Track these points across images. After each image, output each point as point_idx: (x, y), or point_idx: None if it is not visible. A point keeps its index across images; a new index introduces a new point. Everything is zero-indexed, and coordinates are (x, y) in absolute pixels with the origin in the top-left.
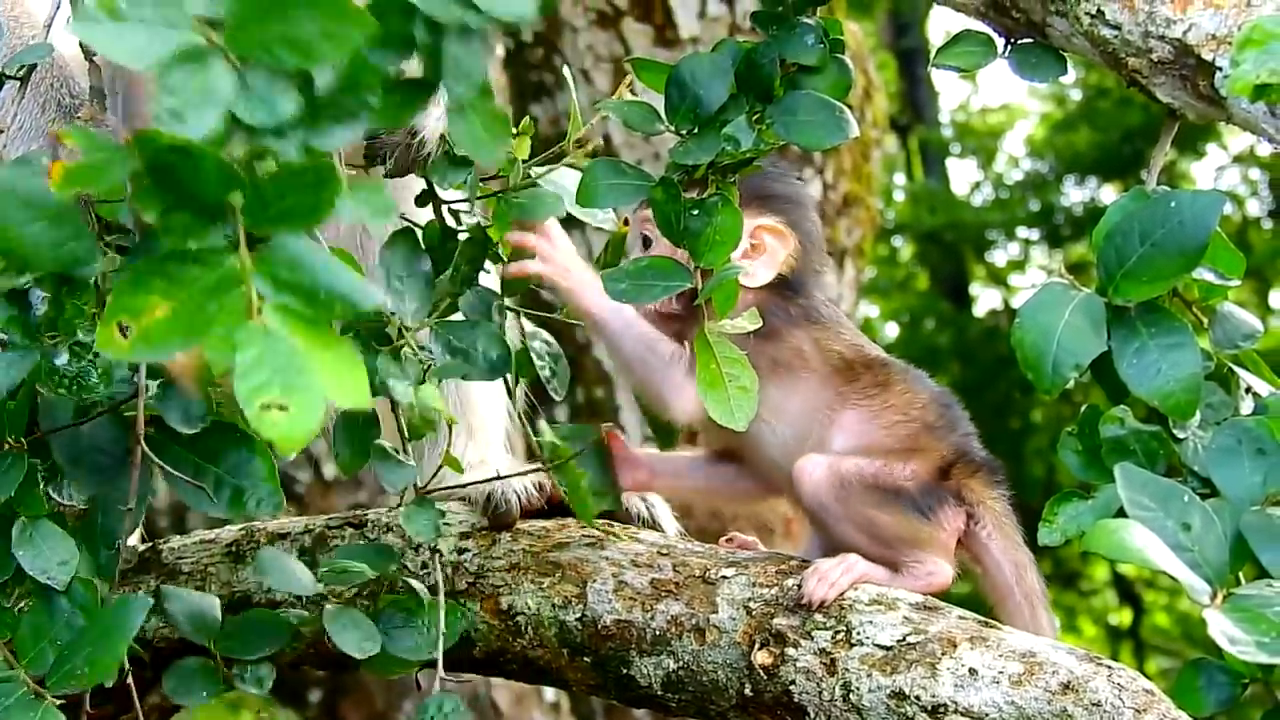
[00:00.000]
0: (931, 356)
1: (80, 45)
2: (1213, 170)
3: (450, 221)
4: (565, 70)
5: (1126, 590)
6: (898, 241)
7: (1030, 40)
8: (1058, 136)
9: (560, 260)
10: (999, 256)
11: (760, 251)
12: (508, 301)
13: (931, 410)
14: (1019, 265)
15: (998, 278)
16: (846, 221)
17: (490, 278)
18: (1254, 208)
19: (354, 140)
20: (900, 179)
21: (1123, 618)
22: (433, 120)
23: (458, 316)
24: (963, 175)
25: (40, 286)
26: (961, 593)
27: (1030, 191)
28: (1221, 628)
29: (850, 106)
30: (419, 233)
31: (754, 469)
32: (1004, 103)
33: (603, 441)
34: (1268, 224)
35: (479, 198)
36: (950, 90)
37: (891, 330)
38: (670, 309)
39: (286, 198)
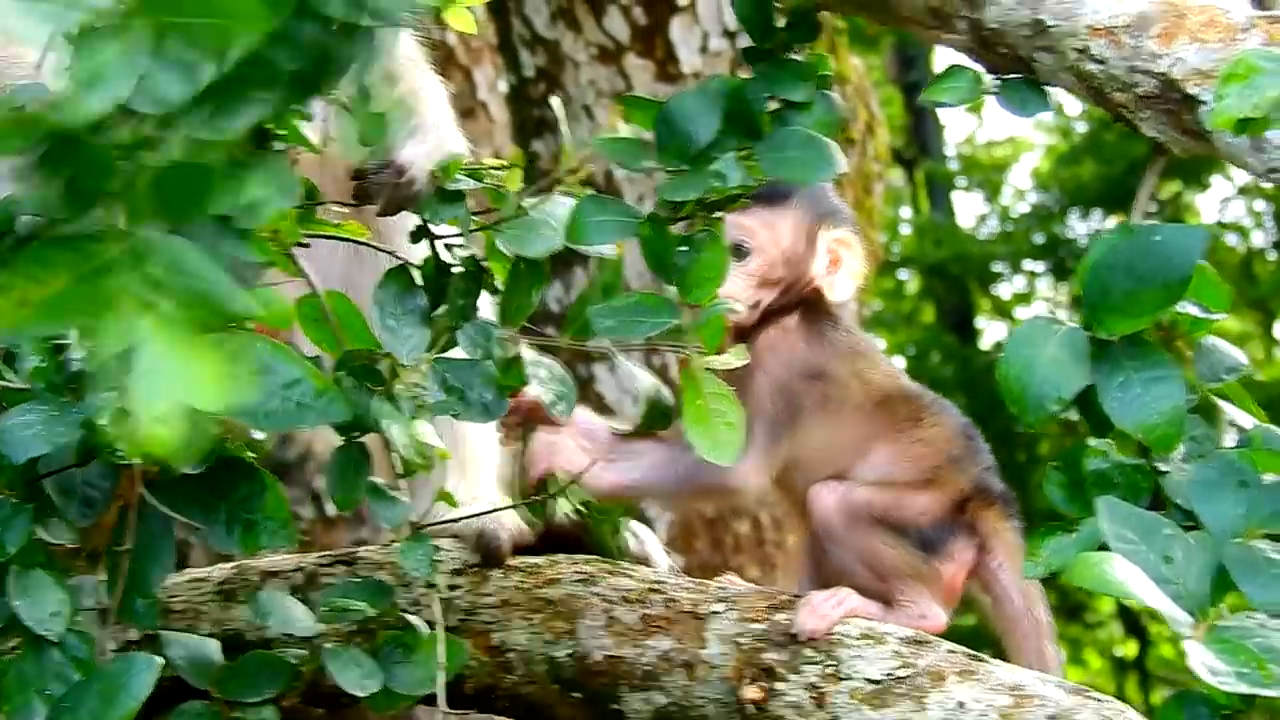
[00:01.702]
0: (937, 389)
1: None
2: (1217, 202)
3: (445, 256)
4: (555, 102)
5: (1132, 622)
6: (903, 275)
7: (1017, 76)
8: (1063, 169)
9: (581, 455)
10: (1004, 289)
11: (838, 265)
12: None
13: (957, 443)
14: (1024, 298)
15: (1003, 310)
16: None
17: (488, 308)
18: (1259, 239)
19: (239, 131)
20: (906, 212)
21: (1128, 650)
22: (421, 157)
23: (457, 352)
24: (968, 208)
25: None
26: (966, 625)
27: (1035, 224)
28: (1202, 659)
29: (853, 140)
30: (413, 270)
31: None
32: (1009, 136)
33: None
34: (1272, 255)
35: (473, 230)
36: (956, 124)
37: (898, 364)
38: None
39: (169, 189)
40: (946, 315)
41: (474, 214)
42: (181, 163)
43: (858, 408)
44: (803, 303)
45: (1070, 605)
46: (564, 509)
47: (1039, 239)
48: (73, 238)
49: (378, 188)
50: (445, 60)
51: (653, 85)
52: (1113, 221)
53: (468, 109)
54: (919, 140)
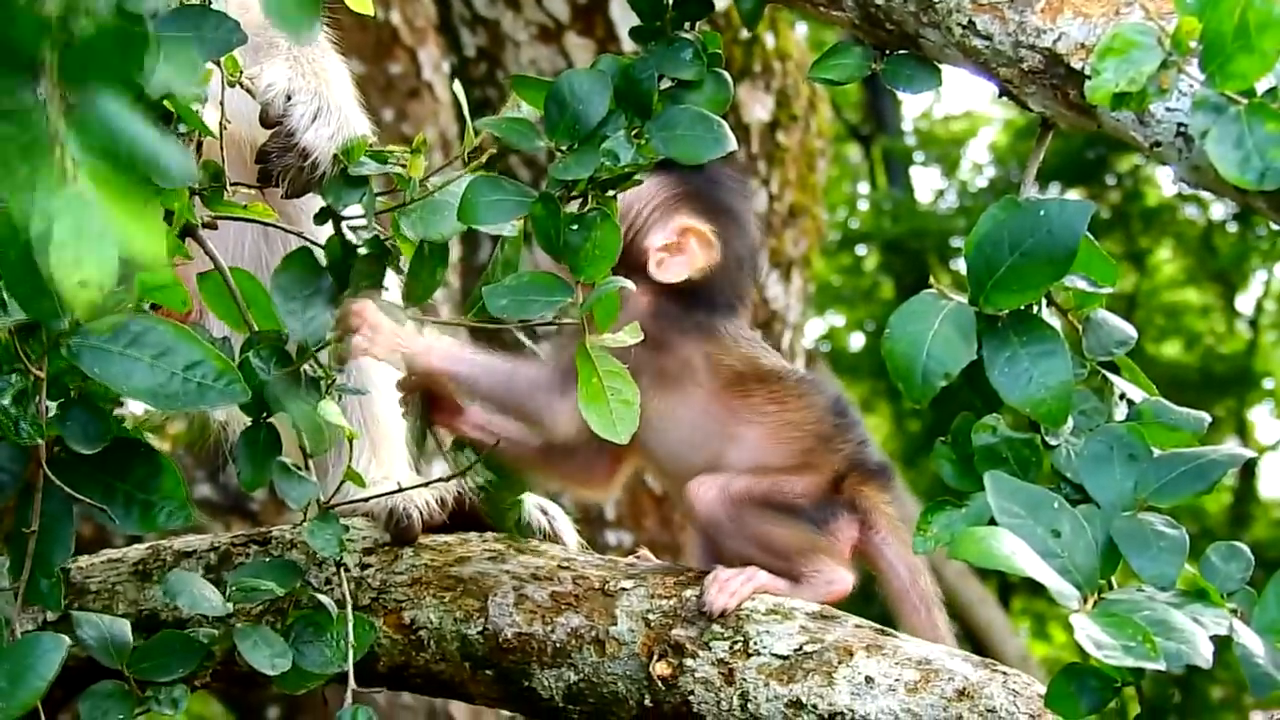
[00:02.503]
0: None
1: None
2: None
3: (350, 237)
4: (456, 85)
5: None
6: (861, 250)
7: (905, 52)
8: (1020, 143)
9: (386, 337)
10: (963, 264)
11: (680, 251)
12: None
13: (826, 422)
14: None
15: (962, 285)
16: (793, 232)
17: (394, 292)
18: (1218, 211)
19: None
20: (864, 188)
21: None
22: (324, 140)
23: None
24: (926, 183)
25: None
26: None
27: (994, 198)
28: (1088, 633)
29: (795, 117)
30: (318, 251)
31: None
32: (966, 110)
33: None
34: (1233, 227)
35: (378, 213)
36: (913, 99)
37: (856, 340)
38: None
39: (99, 55)
40: (905, 291)
41: (380, 194)
42: (115, 25)
43: (705, 389)
44: (642, 271)
45: (1034, 580)
46: (469, 484)
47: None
48: (8, 111)
49: (282, 171)
50: (390, 40)
51: None
52: (1072, 195)
53: (413, 89)
54: (876, 116)
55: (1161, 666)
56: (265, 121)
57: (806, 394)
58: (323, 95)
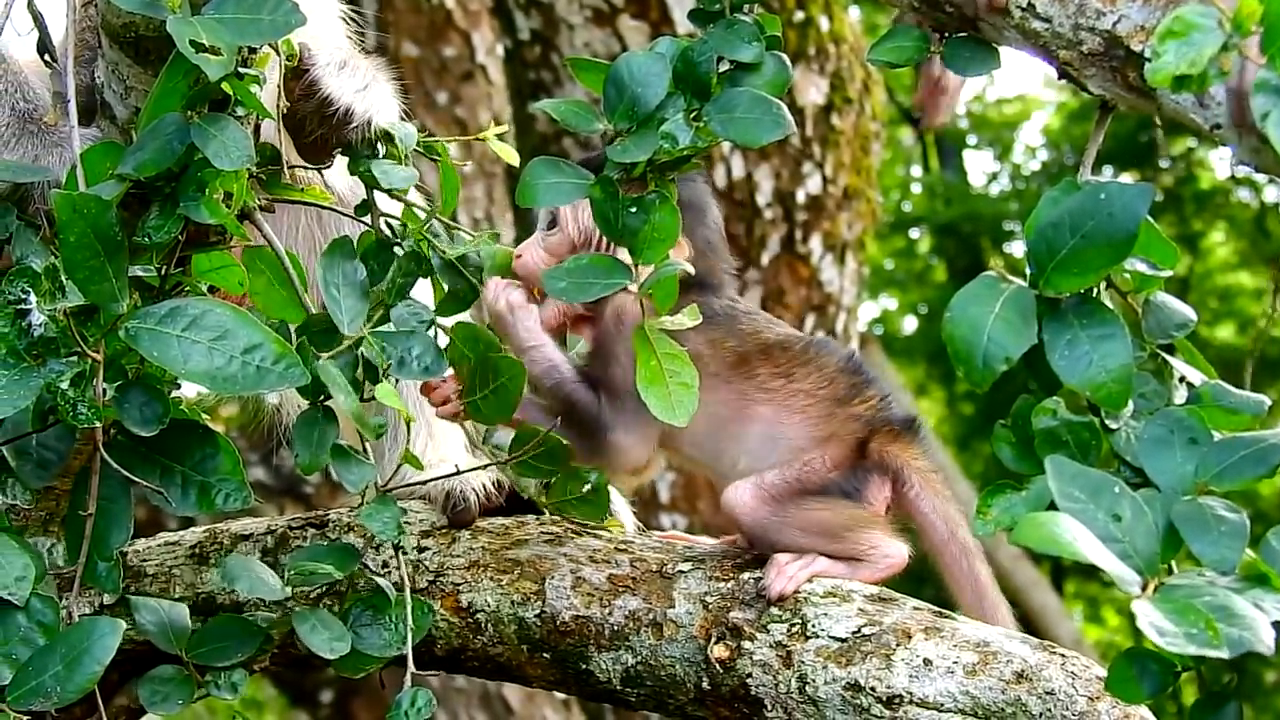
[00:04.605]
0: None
1: (39, 51)
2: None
3: (387, 234)
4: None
5: None
6: (915, 233)
7: (963, 35)
8: (1074, 126)
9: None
10: (1016, 248)
11: None
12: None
13: (840, 383)
14: None
15: (1015, 269)
16: (847, 215)
17: (423, 292)
18: (1271, 194)
19: None
20: (917, 171)
21: None
22: (350, 91)
23: (388, 327)
24: (979, 166)
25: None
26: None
27: (1046, 182)
28: (1151, 619)
29: (850, 100)
30: (354, 242)
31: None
32: (1020, 93)
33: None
34: None
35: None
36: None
37: (910, 323)
38: (577, 311)
39: None
40: (958, 274)
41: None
42: None
43: (715, 375)
44: None
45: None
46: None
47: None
48: None
49: (307, 116)
50: (444, 23)
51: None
52: (1125, 178)
53: (466, 72)
54: None
55: (1225, 654)
56: (295, 72)
57: (813, 359)
58: (351, 54)
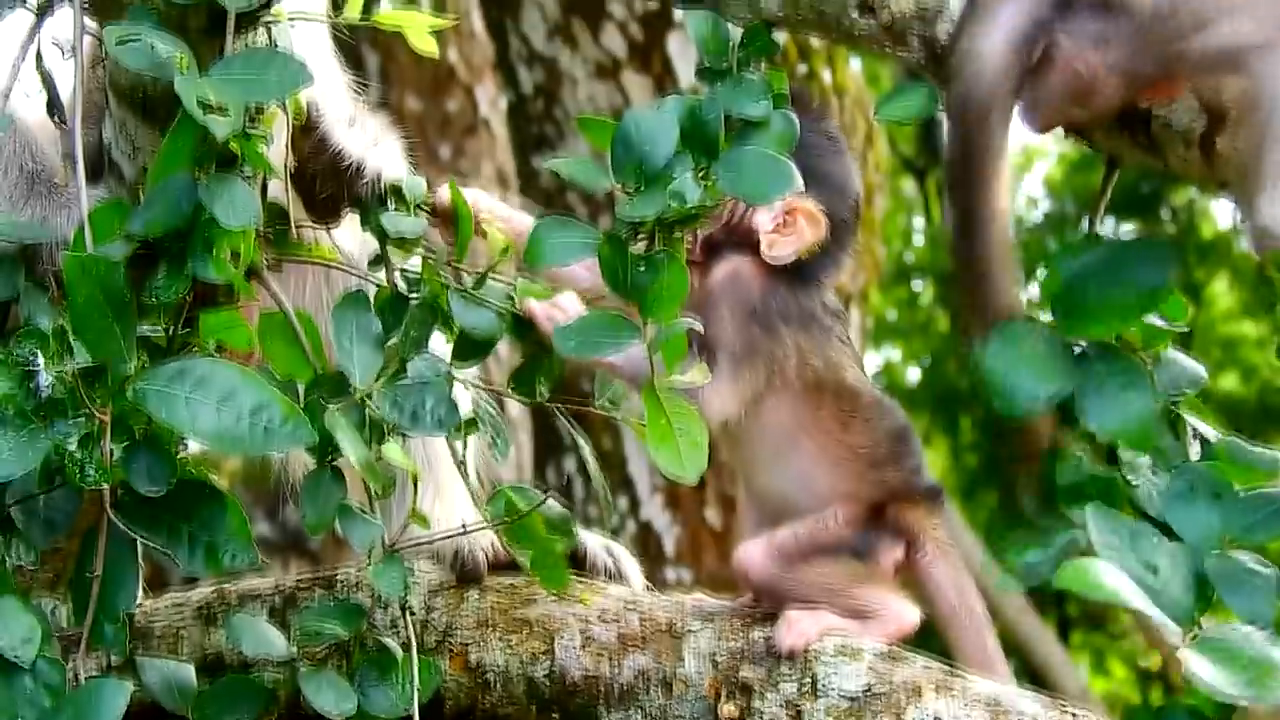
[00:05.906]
0: (953, 400)
1: (48, 111)
2: (1231, 207)
3: (402, 287)
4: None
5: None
6: (917, 284)
7: None
8: (1076, 176)
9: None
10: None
11: (789, 231)
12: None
13: (883, 447)
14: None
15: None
16: (850, 267)
17: (439, 346)
18: None
19: None
20: (919, 221)
21: (1153, 660)
22: (359, 146)
23: (405, 381)
24: None
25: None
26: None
27: (1049, 232)
28: (1199, 666)
29: (852, 151)
30: (370, 295)
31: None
32: (1022, 143)
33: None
34: None
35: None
36: None
37: (913, 374)
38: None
39: None
40: (962, 324)
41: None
42: None
43: (788, 385)
44: (754, 250)
45: (1094, 613)
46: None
47: (1053, 246)
48: None
49: (318, 172)
50: (447, 78)
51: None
52: (1126, 228)
53: (469, 126)
54: (930, 148)
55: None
56: (304, 130)
57: (872, 419)
58: (358, 111)
